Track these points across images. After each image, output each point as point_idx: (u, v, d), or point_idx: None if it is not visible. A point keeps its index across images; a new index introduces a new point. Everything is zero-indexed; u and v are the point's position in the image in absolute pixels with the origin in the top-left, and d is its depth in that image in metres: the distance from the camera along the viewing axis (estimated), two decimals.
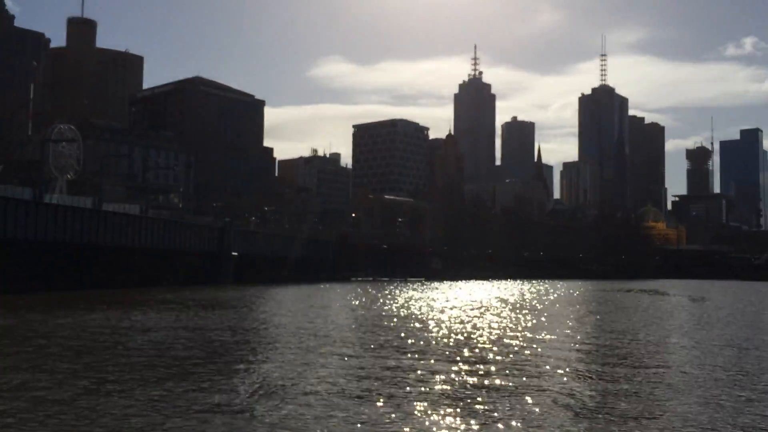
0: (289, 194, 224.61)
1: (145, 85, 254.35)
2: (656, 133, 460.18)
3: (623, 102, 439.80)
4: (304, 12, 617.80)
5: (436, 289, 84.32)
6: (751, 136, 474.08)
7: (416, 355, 23.44)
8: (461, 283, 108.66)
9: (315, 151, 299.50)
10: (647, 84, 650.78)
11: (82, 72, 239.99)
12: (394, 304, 52.65)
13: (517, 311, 46.21)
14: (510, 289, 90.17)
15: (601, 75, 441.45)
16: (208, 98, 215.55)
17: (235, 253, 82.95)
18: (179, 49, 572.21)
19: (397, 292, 74.04)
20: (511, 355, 23.92)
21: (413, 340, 27.94)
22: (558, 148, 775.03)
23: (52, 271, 59.76)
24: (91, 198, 70.97)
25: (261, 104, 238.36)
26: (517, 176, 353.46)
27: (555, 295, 74.37)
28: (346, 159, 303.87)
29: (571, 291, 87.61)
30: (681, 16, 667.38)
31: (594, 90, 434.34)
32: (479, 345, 26.72)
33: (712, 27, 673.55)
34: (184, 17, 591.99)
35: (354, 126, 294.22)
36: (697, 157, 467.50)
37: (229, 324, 34.54)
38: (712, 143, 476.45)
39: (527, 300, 62.90)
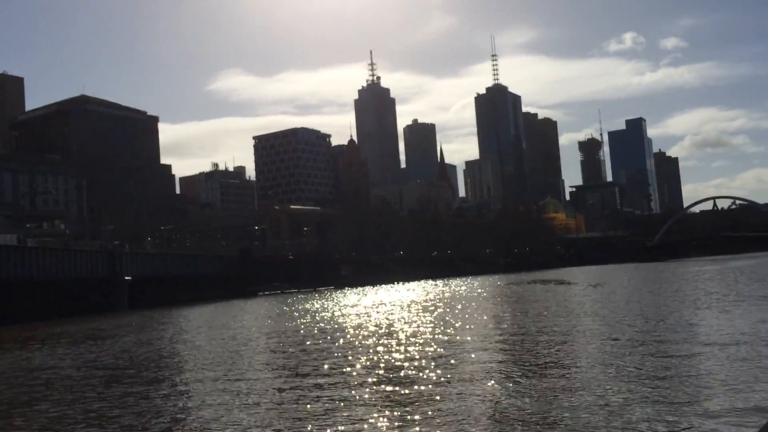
0: (192, 211, 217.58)
1: (28, 108, 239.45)
2: (550, 127, 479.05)
3: (516, 100, 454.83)
4: (200, 26, 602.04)
5: (340, 298, 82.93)
6: (636, 125, 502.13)
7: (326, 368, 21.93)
8: (370, 289, 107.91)
9: (216, 165, 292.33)
10: (538, 82, 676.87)
11: None
12: (292, 317, 50.89)
13: (417, 311, 45.54)
14: (417, 290, 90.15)
15: (494, 75, 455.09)
16: (97, 117, 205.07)
17: (128, 278, 78.42)
18: (65, 69, 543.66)
19: (299, 305, 72.13)
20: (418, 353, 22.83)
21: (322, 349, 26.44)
22: (460, 148, 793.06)
23: None
24: None
25: (154, 120, 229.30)
26: (422, 178, 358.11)
27: (457, 292, 74.69)
28: (251, 172, 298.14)
29: (475, 287, 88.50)
30: (566, 16, 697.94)
31: (488, 89, 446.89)
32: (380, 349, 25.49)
33: (595, 25, 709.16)
34: (68, 35, 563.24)
35: (254, 137, 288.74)
36: (589, 149, 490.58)
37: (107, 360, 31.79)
38: (601, 134, 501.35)
39: (429, 299, 62.62)
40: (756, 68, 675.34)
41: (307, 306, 66.39)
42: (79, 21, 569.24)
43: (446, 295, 71.93)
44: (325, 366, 21.61)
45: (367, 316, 45.37)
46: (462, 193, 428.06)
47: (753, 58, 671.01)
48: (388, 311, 48.90)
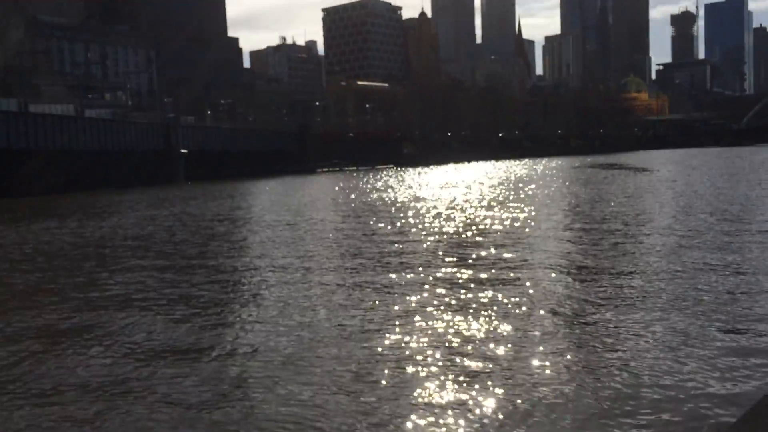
0: (258, 85, 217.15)
1: None
2: None
3: None
4: None
5: (399, 177, 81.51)
6: None
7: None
8: (431, 169, 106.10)
9: (284, 39, 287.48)
10: None
11: None
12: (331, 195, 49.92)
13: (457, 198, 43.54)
14: (474, 172, 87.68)
15: None
16: None
17: (185, 150, 79.13)
18: None
19: (350, 182, 71.15)
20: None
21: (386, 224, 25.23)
22: (542, 23, 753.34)
23: None
24: (15, 99, 66.04)
25: None
26: (498, 54, 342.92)
27: (509, 176, 71.82)
28: (322, 48, 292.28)
29: (528, 170, 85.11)
30: None
31: None
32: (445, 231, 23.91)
33: None
34: None
35: (323, 10, 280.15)
36: (682, 23, 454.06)
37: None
38: (696, 7, 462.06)
39: (479, 184, 60.29)
40: None
41: (353, 183, 65.40)
42: None
43: (504, 176, 69.27)
44: (378, 250, 20.05)
45: (420, 200, 43.72)
46: (540, 71, 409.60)
47: None
48: (437, 195, 47.10)
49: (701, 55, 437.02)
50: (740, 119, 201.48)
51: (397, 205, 37.07)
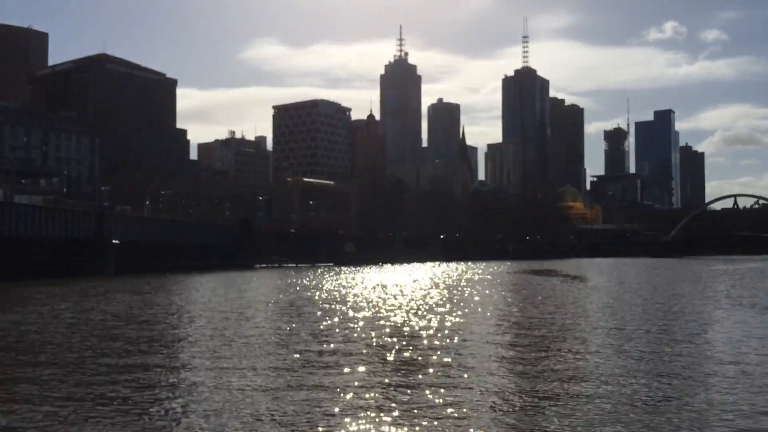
0: (204, 178, 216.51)
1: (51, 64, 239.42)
2: (576, 114, 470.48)
3: (544, 84, 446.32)
4: None
5: (336, 276, 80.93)
6: (664, 117, 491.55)
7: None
8: (371, 268, 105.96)
9: (233, 133, 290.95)
10: (570, 68, 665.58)
11: None
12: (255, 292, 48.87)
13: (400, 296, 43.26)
14: (418, 273, 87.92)
15: (523, 57, 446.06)
16: (115, 76, 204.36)
17: (116, 241, 76.89)
18: (90, 26, 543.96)
19: (277, 281, 70.21)
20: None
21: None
22: (486, 131, 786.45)
23: None
24: None
25: (173, 83, 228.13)
26: (442, 158, 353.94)
27: (452, 277, 72.21)
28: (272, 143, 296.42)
29: (474, 272, 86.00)
30: (607, 2, 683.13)
31: (516, 72, 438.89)
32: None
33: (636, 12, 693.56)
34: None
35: (274, 107, 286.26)
36: (615, 138, 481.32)
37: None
38: (628, 125, 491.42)
39: (425, 285, 60.27)
40: None
41: (289, 282, 64.46)
42: None
43: (443, 280, 69.53)
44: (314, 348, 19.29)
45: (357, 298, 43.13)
46: (482, 176, 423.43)
47: None
48: (377, 295, 46.65)
49: (632, 169, 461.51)
50: (669, 231, 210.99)
51: (326, 306, 36.45)
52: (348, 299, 41.57)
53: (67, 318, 31.75)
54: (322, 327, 26.61)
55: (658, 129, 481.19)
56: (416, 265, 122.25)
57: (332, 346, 21.43)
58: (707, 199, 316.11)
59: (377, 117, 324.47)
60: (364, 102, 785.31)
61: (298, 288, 55.61)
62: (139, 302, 41.22)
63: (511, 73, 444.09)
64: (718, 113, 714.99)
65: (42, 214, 71.21)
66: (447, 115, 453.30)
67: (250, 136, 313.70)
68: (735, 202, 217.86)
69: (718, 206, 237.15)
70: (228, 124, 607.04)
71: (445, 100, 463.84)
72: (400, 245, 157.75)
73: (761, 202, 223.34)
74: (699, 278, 70.80)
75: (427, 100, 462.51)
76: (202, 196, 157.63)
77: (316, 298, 43.35)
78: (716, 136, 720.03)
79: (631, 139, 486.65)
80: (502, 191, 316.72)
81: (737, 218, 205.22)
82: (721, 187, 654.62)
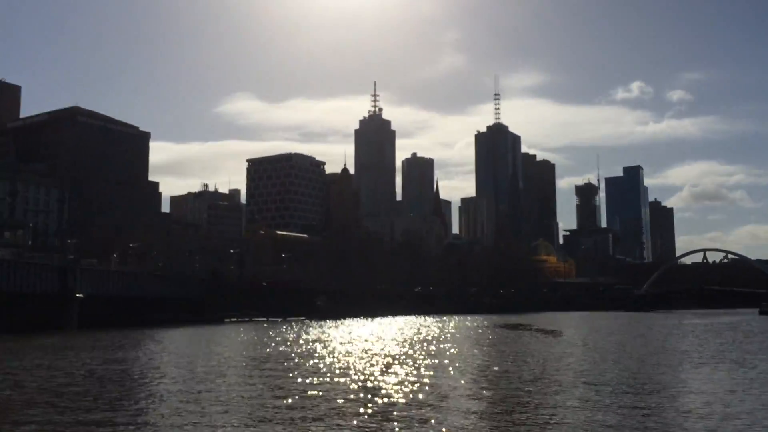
0: (175, 230, 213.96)
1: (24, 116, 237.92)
2: (548, 170, 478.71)
3: (516, 140, 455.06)
4: (215, 48, 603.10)
5: (307, 330, 79.51)
6: (633, 173, 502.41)
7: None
8: (342, 322, 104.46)
9: (206, 186, 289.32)
10: (541, 125, 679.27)
11: None
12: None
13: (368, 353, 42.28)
14: (386, 329, 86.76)
15: (495, 113, 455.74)
16: (87, 129, 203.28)
17: (80, 295, 74.84)
18: (64, 79, 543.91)
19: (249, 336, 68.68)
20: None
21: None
22: (460, 185, 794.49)
23: None
24: None
25: (146, 136, 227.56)
26: (416, 212, 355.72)
27: (420, 332, 71.29)
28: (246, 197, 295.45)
29: (448, 327, 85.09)
30: (576, 62, 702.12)
31: (489, 128, 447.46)
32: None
33: (604, 72, 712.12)
34: (73, 46, 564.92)
35: (248, 160, 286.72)
36: (586, 193, 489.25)
37: None
38: (598, 180, 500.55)
39: (381, 341, 59.32)
40: (757, 125, 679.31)
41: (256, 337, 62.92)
42: (98, 33, 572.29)
43: (414, 334, 68.60)
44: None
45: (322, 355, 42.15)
46: (456, 230, 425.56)
47: (755, 115, 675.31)
48: (344, 350, 45.71)
49: (603, 223, 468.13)
50: (641, 284, 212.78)
51: (294, 362, 35.46)
52: (316, 355, 40.57)
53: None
54: (286, 384, 25.72)
55: (627, 184, 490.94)
56: (390, 318, 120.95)
57: (298, 401, 20.63)
58: (678, 253, 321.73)
59: (352, 171, 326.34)
60: (338, 156, 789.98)
61: (264, 341, 54.32)
62: (96, 359, 39.76)
63: (483, 129, 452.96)
64: (685, 170, 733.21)
65: (4, 268, 69.21)
66: (421, 169, 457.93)
67: (224, 189, 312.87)
68: (704, 257, 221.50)
69: (688, 260, 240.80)
70: (202, 177, 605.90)
71: (419, 155, 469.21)
72: (374, 299, 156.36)
73: (730, 256, 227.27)
74: (679, 333, 70.73)
75: (401, 155, 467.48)
76: (173, 249, 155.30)
77: (284, 353, 42.26)
78: (684, 192, 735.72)
79: (602, 194, 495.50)
80: (476, 244, 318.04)
81: (707, 272, 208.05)
82: (691, 242, 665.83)
